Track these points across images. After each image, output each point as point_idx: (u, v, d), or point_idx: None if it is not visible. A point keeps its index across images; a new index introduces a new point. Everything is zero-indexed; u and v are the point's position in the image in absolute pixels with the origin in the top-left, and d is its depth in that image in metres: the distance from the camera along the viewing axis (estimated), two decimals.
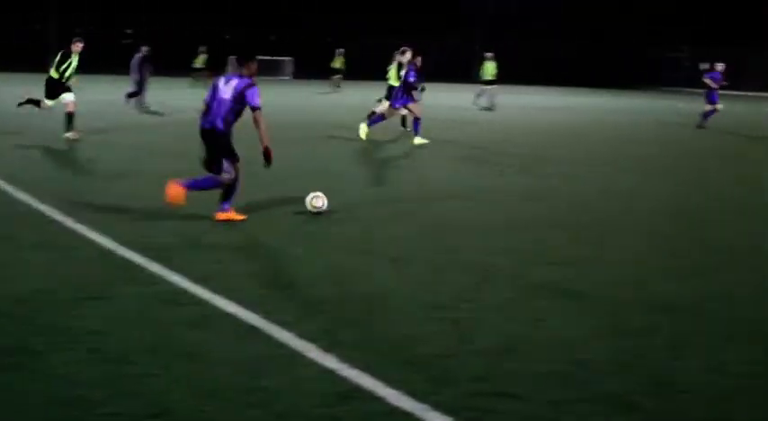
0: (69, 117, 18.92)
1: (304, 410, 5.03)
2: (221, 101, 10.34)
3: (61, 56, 18.91)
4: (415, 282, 7.99)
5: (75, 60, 18.99)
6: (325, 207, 10.95)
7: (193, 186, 10.39)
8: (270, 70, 63.40)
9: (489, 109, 34.78)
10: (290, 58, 66.09)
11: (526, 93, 52.36)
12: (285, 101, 35.98)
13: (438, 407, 5.11)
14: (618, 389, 5.51)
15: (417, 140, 20.29)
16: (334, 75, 47.03)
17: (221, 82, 10.48)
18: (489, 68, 35.67)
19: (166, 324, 6.51)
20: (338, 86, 46.51)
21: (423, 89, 23.61)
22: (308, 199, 11.01)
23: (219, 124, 10.32)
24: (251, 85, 10.33)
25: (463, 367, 5.80)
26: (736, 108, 40.58)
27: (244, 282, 7.76)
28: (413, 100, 20.97)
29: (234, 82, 10.37)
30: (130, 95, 28.85)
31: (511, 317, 7.00)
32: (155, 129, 22.92)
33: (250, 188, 11.52)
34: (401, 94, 20.91)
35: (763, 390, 5.64)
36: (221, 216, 10.39)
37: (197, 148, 10.70)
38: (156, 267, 8.09)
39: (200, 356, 5.83)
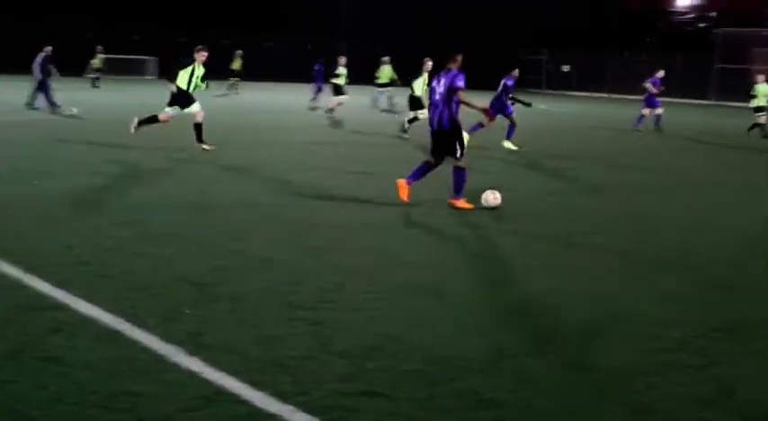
0: (199, 128, 18.60)
1: (167, 415, 4.96)
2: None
3: (188, 67, 18.39)
4: (279, 282, 7.96)
5: (200, 70, 18.57)
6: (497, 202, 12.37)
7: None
8: (132, 70, 62.39)
9: (390, 111, 34.89)
10: (153, 58, 64.93)
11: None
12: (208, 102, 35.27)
13: (304, 408, 5.11)
14: (481, 386, 5.60)
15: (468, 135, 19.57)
16: (232, 76, 46.08)
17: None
18: (386, 72, 36.38)
19: (26, 329, 6.33)
20: (236, 89, 45.44)
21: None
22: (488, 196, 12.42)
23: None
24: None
25: (328, 367, 5.81)
26: (595, 109, 41.68)
27: (106, 285, 7.60)
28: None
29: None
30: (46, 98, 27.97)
31: (374, 317, 7.03)
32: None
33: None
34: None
35: (616, 385, 5.80)
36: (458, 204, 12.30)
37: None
38: (15, 272, 7.86)
39: (60, 361, 5.69)
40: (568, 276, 8.76)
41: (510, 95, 22.46)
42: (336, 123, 28.29)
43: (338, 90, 32.33)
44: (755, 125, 29.65)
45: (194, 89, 18.52)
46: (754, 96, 29.63)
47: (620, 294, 8.17)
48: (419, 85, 23.99)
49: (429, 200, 12.84)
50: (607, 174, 18.15)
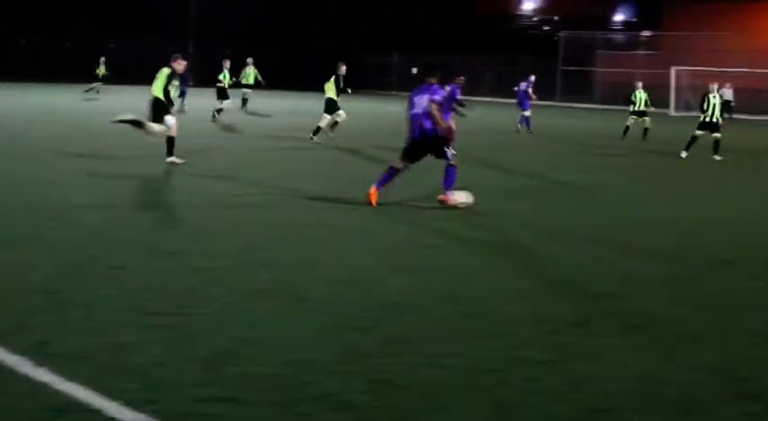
0: (171, 141, 17.35)
1: None
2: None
3: (168, 74, 17.21)
4: (133, 288, 7.80)
5: (176, 80, 17.42)
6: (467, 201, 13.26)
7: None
8: None
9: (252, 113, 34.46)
10: None
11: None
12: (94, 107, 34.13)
13: (158, 415, 5.02)
14: (337, 388, 5.61)
15: None
16: (96, 81, 44.62)
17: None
18: (249, 73, 36.87)
19: None
20: (97, 92, 44.12)
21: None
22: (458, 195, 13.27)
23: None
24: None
25: (184, 373, 5.73)
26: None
27: None
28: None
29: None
30: None
31: (231, 322, 6.96)
32: None
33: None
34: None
35: (473, 382, 5.90)
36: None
37: None
38: None
39: None
40: (422, 276, 8.85)
41: (457, 103, 23.05)
42: (220, 127, 27.83)
43: (222, 94, 32.36)
44: (628, 128, 30.95)
45: (171, 101, 17.60)
46: (633, 102, 31.38)
47: (474, 293, 8.29)
48: (332, 89, 24.51)
49: (285, 203, 12.78)
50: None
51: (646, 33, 65.06)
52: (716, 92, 24.71)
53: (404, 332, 6.92)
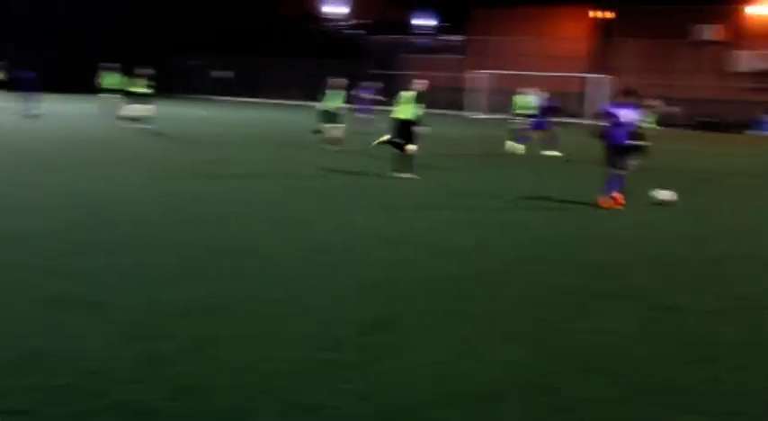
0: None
1: None
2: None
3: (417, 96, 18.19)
4: None
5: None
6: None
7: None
8: None
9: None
10: None
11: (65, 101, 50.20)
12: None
13: None
14: (136, 396, 5.43)
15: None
16: None
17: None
18: (111, 78, 35.03)
19: None
20: None
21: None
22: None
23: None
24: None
25: None
26: (255, 114, 42.02)
27: None
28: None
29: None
30: None
31: (19, 332, 6.66)
32: None
33: None
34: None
35: (284, 385, 5.82)
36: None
37: None
38: None
39: None
40: (227, 281, 8.72)
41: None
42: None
43: (137, 99, 30.17)
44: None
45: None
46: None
47: (287, 295, 8.20)
48: (335, 101, 25.19)
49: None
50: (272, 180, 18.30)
51: (452, 37, 66.46)
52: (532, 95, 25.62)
53: (206, 337, 6.77)
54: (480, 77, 53.88)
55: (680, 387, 6.15)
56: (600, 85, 50.73)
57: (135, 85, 30.52)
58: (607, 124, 15.58)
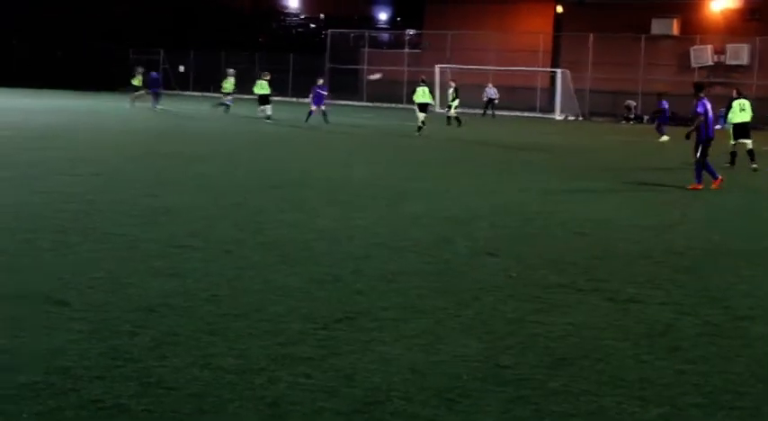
0: None
1: None
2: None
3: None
4: None
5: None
6: None
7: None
8: None
9: None
10: None
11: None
12: None
13: None
14: (104, 394, 5.46)
15: None
16: None
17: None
18: None
19: None
20: None
21: None
22: None
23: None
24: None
25: None
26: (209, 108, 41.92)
27: None
28: None
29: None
30: None
31: None
32: None
33: None
34: None
35: (244, 381, 5.86)
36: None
37: None
38: None
39: None
40: (182, 278, 8.73)
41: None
42: None
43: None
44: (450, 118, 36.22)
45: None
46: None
47: (237, 294, 8.23)
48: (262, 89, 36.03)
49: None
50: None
51: (410, 32, 66.50)
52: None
53: (170, 334, 6.79)
54: (441, 71, 53.86)
55: (643, 378, 6.26)
56: (563, 79, 51.21)
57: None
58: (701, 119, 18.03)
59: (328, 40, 66.02)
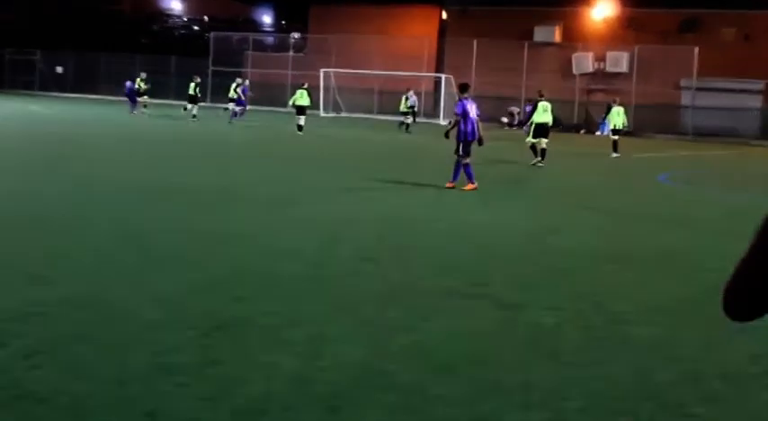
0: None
1: None
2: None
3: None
4: None
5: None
6: None
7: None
8: None
9: None
10: None
11: None
12: None
13: None
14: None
15: None
16: None
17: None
18: None
19: None
20: None
21: None
22: None
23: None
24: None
25: None
26: (86, 110, 41.10)
27: None
28: None
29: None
30: None
31: None
32: None
33: None
34: None
35: (120, 392, 5.66)
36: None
37: None
38: None
39: None
40: (55, 285, 8.42)
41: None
42: None
43: None
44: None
45: None
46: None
47: (110, 300, 7.95)
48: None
49: None
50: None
51: (294, 35, 66.27)
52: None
53: (40, 343, 6.52)
54: (325, 75, 53.82)
55: (526, 383, 6.24)
56: (446, 84, 51.60)
57: None
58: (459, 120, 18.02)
59: (211, 42, 65.33)
